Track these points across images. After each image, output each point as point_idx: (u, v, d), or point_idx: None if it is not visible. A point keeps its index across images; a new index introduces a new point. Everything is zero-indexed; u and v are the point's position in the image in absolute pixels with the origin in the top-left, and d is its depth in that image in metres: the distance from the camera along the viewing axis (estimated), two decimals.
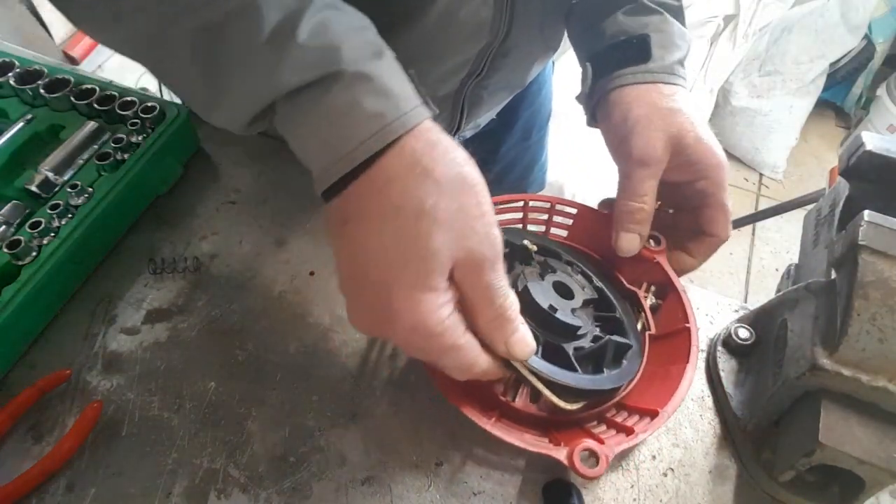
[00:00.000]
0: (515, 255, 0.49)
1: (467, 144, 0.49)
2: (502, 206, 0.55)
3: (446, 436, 0.48)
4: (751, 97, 2.32)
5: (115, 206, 0.54)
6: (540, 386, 0.41)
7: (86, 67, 1.48)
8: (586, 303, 0.48)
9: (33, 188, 0.53)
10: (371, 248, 0.35)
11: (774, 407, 0.45)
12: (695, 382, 0.50)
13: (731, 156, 2.47)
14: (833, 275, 0.43)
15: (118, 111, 0.59)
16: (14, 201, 0.52)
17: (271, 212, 0.61)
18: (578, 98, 0.58)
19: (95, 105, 0.60)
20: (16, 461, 0.44)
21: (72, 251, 0.50)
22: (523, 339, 0.38)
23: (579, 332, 0.45)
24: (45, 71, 0.61)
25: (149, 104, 0.60)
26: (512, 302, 0.37)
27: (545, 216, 0.57)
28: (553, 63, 0.96)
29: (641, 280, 0.53)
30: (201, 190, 0.63)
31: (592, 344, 0.45)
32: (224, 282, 0.56)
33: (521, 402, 0.47)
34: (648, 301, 0.52)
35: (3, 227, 0.51)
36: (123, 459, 0.45)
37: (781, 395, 0.44)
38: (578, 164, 1.59)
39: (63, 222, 0.51)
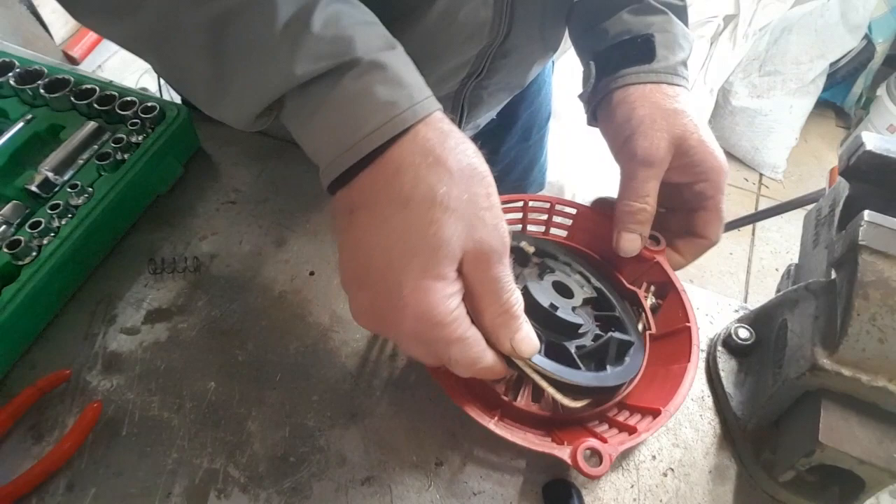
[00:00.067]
0: (513, 257, 0.49)
1: None
2: (502, 207, 0.55)
3: (446, 436, 0.48)
4: (751, 97, 2.32)
5: (115, 206, 0.54)
6: (544, 384, 0.41)
7: (86, 67, 1.48)
8: (586, 301, 0.48)
9: (33, 188, 0.53)
10: (380, 236, 0.34)
11: (774, 407, 0.45)
12: (695, 382, 0.50)
13: (731, 156, 2.47)
14: (833, 275, 0.43)
15: (118, 111, 0.59)
16: (14, 201, 0.52)
17: (271, 212, 0.61)
18: (580, 96, 0.58)
19: (95, 105, 0.60)
20: (16, 461, 0.44)
21: (72, 251, 0.50)
22: (528, 336, 0.38)
23: (581, 330, 0.45)
24: (45, 71, 0.61)
25: (149, 104, 0.60)
26: (517, 298, 0.37)
27: (545, 216, 0.57)
28: (553, 63, 0.96)
29: (641, 280, 0.53)
30: (201, 190, 0.63)
31: (594, 342, 0.45)
32: (224, 282, 0.56)
33: (523, 401, 0.46)
34: (649, 301, 0.52)
35: (3, 227, 0.51)
36: (123, 459, 0.45)
37: (781, 395, 0.44)
38: (578, 164, 1.59)
39: (63, 222, 0.51)
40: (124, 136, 0.57)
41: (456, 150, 0.35)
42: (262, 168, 0.65)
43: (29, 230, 0.49)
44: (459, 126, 0.70)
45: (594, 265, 0.54)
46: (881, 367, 0.38)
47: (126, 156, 0.56)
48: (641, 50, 0.53)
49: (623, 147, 0.51)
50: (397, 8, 0.50)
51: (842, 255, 0.41)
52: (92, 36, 1.49)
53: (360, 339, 0.53)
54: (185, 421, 0.47)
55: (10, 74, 0.60)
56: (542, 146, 1.00)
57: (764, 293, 2.08)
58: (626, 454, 0.48)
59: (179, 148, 0.62)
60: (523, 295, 0.44)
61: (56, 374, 0.47)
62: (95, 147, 0.58)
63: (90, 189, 0.53)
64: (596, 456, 0.39)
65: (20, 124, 0.58)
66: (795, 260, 0.56)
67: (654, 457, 0.48)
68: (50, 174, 0.54)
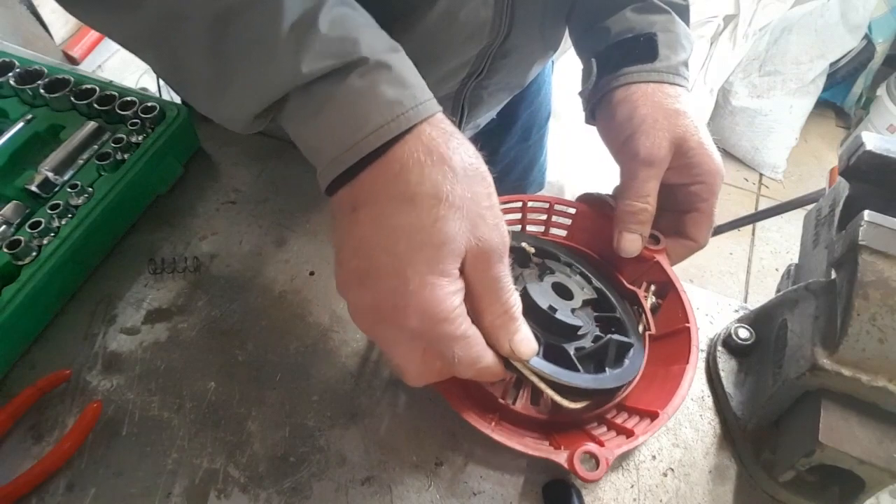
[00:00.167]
0: (513, 258, 0.49)
1: None
2: (501, 207, 0.55)
3: (446, 436, 0.48)
4: (751, 97, 2.32)
5: (115, 206, 0.54)
6: (542, 386, 0.41)
7: (86, 67, 1.48)
8: (586, 303, 0.48)
9: (33, 188, 0.53)
10: (384, 233, 0.34)
11: (774, 407, 0.45)
12: (695, 382, 0.50)
13: (731, 156, 2.47)
14: (833, 275, 0.43)
15: (118, 111, 0.59)
16: (14, 201, 0.52)
17: (271, 212, 0.61)
18: (580, 94, 0.58)
19: (95, 105, 0.60)
20: (16, 461, 0.44)
21: (72, 251, 0.50)
22: (527, 337, 0.38)
23: (580, 332, 0.45)
24: (45, 71, 0.61)
25: (149, 104, 0.60)
26: (516, 300, 0.37)
27: (544, 216, 0.57)
28: (553, 63, 0.96)
29: (641, 280, 0.53)
30: (201, 190, 0.63)
31: (593, 344, 0.45)
32: (224, 282, 0.56)
33: (521, 404, 0.46)
34: (649, 301, 0.52)
35: (3, 227, 0.51)
36: (123, 459, 0.45)
37: (781, 395, 0.44)
38: (578, 164, 1.59)
39: (63, 222, 0.51)
40: (124, 136, 0.57)
41: (459, 149, 0.35)
42: (262, 168, 0.65)
43: (29, 230, 0.49)
44: (459, 126, 0.70)
45: (594, 265, 0.54)
46: (881, 367, 0.38)
47: (126, 156, 0.56)
48: (644, 49, 0.53)
49: (624, 146, 0.51)
50: (398, 8, 0.50)
51: (842, 255, 0.41)
52: (92, 36, 1.49)
53: (360, 339, 0.53)
54: (185, 421, 0.47)
55: (10, 74, 0.60)
56: (542, 146, 1.00)
57: (764, 293, 2.08)
58: (626, 454, 0.48)
59: (179, 148, 0.62)
60: (522, 297, 0.44)
61: (56, 374, 0.47)
62: (95, 147, 0.58)
63: (90, 189, 0.53)
64: (593, 460, 0.39)
65: (20, 124, 0.58)
66: (795, 260, 0.56)
67: (654, 457, 0.48)
68: (50, 174, 0.54)
